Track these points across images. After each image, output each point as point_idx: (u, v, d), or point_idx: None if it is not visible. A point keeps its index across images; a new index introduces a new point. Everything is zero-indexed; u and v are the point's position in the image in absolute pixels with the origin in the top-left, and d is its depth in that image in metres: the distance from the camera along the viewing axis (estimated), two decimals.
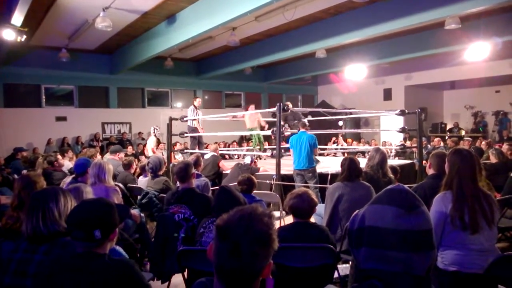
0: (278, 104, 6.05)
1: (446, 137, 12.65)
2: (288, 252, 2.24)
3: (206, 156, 6.97)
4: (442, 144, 10.46)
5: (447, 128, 14.57)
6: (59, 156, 5.91)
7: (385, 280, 1.09)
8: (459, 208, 2.10)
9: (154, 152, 8.94)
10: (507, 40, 9.06)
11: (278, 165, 5.97)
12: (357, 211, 1.42)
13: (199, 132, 8.56)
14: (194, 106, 8.63)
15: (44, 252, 1.70)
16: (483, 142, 9.53)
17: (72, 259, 1.50)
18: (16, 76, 11.76)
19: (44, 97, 12.66)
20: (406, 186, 1.23)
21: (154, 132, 9.21)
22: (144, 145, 11.82)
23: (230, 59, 12.71)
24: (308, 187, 5.50)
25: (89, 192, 2.81)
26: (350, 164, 3.51)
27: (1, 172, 8.34)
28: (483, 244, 2.09)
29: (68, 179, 4.37)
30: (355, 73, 12.36)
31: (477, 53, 9.49)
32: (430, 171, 2.99)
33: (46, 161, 5.57)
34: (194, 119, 8.52)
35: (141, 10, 8.47)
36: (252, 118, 8.70)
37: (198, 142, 8.66)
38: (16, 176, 6.06)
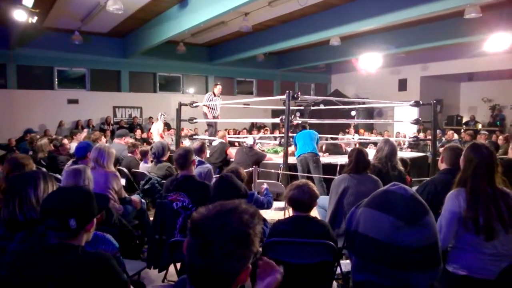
0: (287, 91, 5.88)
1: (462, 130, 12.28)
2: (286, 247, 2.13)
3: (214, 143, 6.87)
4: (456, 137, 10.14)
5: (463, 121, 14.15)
6: (65, 141, 5.88)
7: None
8: (473, 209, 1.92)
9: (162, 137, 8.87)
10: None
11: (285, 154, 5.82)
12: (356, 206, 1.27)
13: (208, 118, 8.42)
14: (213, 93, 8.42)
15: (20, 240, 1.61)
16: (500, 137, 9.19)
17: (44, 250, 1.39)
18: (30, 58, 11.82)
19: (56, 79, 12.72)
20: (413, 186, 1.05)
21: (161, 117, 9.11)
22: (150, 130, 11.79)
23: (242, 45, 12.48)
24: (313, 178, 5.36)
25: (89, 176, 2.72)
26: (358, 156, 3.33)
27: (11, 153, 8.46)
28: (497, 249, 1.91)
29: (70, 162, 4.33)
30: (370, 62, 12.01)
31: (498, 44, 9.05)
32: (442, 166, 2.76)
33: (52, 144, 5.54)
34: (205, 105, 8.34)
35: None
36: None
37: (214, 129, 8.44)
38: None
